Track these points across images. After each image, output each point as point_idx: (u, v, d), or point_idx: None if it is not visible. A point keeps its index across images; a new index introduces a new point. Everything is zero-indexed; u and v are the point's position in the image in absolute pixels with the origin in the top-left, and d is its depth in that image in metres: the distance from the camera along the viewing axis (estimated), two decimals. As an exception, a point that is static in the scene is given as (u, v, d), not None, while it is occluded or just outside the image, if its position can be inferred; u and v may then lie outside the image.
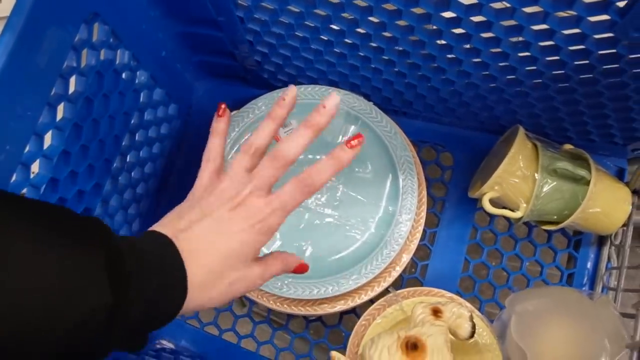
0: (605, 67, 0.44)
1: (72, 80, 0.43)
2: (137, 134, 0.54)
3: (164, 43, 0.54)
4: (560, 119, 0.55)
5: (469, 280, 0.59)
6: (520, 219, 0.54)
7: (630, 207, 0.53)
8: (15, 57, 0.35)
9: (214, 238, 0.35)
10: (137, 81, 0.52)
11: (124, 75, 0.49)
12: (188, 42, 0.57)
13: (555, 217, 0.53)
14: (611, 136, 0.56)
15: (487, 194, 0.53)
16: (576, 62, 0.45)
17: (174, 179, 0.65)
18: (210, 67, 0.62)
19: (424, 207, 0.56)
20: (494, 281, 0.59)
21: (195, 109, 0.65)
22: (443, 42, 0.46)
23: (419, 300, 0.53)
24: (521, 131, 0.54)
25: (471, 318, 0.47)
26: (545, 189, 0.52)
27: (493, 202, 0.54)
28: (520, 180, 0.52)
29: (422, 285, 0.58)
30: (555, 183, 0.52)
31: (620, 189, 0.53)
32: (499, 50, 0.46)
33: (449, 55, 0.48)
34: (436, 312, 0.47)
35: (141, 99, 0.53)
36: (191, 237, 0.34)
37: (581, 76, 0.47)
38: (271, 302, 0.55)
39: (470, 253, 0.60)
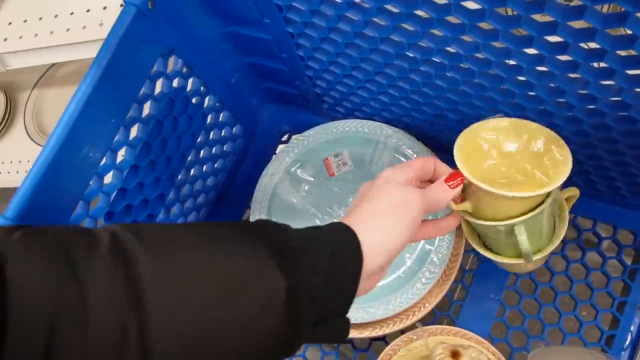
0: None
1: (147, 105, 0.49)
2: (202, 151, 0.60)
3: (233, 71, 0.60)
4: (611, 178, 0.54)
5: (502, 325, 0.59)
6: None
7: None
8: (99, 87, 0.41)
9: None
10: (205, 105, 0.58)
11: (193, 100, 0.55)
12: (255, 71, 0.62)
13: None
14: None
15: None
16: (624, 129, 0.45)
17: (234, 191, 0.70)
18: (276, 94, 0.67)
19: (461, 250, 0.57)
20: (527, 331, 0.58)
21: (259, 130, 0.70)
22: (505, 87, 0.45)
23: (443, 339, 0.54)
24: None
25: (488, 367, 0.47)
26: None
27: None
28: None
29: (454, 324, 0.59)
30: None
31: None
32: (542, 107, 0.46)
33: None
34: (455, 355, 0.49)
35: (208, 121, 0.59)
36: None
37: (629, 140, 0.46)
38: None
39: (507, 299, 0.60)
